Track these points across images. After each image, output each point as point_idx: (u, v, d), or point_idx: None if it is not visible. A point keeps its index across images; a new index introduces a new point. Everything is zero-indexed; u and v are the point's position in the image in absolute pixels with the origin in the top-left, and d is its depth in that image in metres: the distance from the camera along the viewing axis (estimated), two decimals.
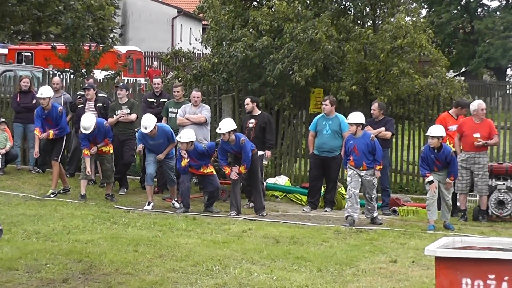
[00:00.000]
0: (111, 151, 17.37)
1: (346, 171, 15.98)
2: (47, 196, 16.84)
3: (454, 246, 7.02)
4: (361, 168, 15.32)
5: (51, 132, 17.00)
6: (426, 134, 14.96)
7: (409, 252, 12.35)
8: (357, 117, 15.48)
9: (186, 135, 15.88)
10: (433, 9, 40.42)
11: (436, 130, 14.86)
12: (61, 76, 23.49)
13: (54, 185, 17.14)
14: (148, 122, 16.11)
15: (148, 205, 16.37)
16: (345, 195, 17.14)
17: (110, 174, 17.52)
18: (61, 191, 17.40)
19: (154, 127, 16.17)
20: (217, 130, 16.13)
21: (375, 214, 15.70)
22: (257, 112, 17.86)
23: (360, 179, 15.52)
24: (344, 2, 22.65)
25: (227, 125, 16.13)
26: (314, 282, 10.28)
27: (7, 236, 11.11)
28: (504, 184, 17.01)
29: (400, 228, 15.18)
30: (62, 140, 17.07)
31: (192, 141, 15.93)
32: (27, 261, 10.82)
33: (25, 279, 10.00)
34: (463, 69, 38.04)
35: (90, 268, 10.62)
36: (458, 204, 17.26)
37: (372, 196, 15.62)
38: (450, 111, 17.90)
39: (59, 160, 17.15)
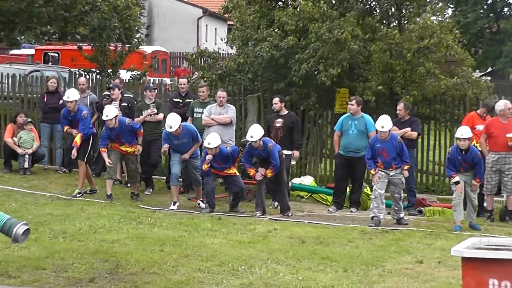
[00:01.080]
0: (136, 152, 17.33)
1: (372, 172, 15.90)
2: (73, 196, 16.93)
3: (480, 247, 6.99)
4: (390, 169, 15.37)
5: (78, 134, 17.00)
6: (456, 136, 14.93)
7: (435, 253, 12.35)
8: (389, 122, 15.48)
9: (214, 140, 15.83)
10: (459, 9, 40.29)
11: (466, 132, 14.82)
12: (87, 77, 23.61)
13: (81, 185, 17.21)
14: (173, 121, 16.14)
15: (174, 205, 16.40)
16: (371, 195, 17.18)
17: (136, 174, 17.57)
18: (88, 192, 17.46)
19: (179, 127, 16.21)
20: (248, 138, 16.07)
21: (401, 215, 15.68)
22: (285, 111, 17.88)
23: (386, 180, 15.53)
24: (369, 2, 22.62)
25: (257, 132, 16.09)
26: (339, 282, 10.27)
27: (34, 235, 11.03)
28: None
29: (426, 229, 15.18)
30: (88, 141, 17.12)
31: (219, 145, 16.04)
32: (54, 261, 10.87)
33: (52, 278, 10.05)
34: (490, 69, 37.92)
35: (117, 268, 10.67)
36: (484, 204, 17.16)
37: (400, 196, 15.63)
38: (478, 111, 17.83)
39: (85, 160, 17.20)
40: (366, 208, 17.26)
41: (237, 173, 16.92)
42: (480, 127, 17.29)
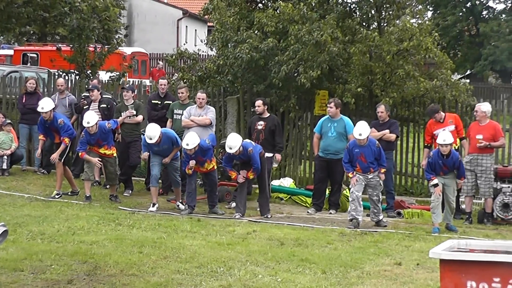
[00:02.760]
0: (115, 154, 17.37)
1: (350, 175, 15.85)
2: (52, 197, 16.91)
3: (459, 249, 7.05)
4: (368, 173, 15.42)
5: (66, 139, 16.83)
6: (437, 142, 14.90)
7: (414, 255, 12.40)
8: (367, 129, 15.46)
9: (192, 140, 15.76)
10: (438, 12, 40.45)
11: (448, 137, 14.80)
12: (66, 78, 23.58)
13: (58, 186, 17.19)
14: (153, 132, 16.09)
15: (153, 206, 16.41)
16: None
17: (114, 177, 17.53)
18: (69, 194, 17.39)
19: (159, 136, 16.21)
20: (227, 150, 16.05)
21: (380, 217, 15.74)
22: (267, 114, 17.91)
23: (363, 183, 15.56)
24: (349, 4, 22.68)
25: (235, 143, 15.95)
26: (318, 284, 10.32)
27: (12, 237, 11.03)
28: (509, 187, 17.04)
29: (405, 231, 15.24)
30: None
31: (197, 145, 15.94)
32: (32, 262, 10.88)
33: (30, 280, 10.06)
34: (469, 72, 38.18)
35: (95, 269, 10.69)
36: (462, 206, 17.29)
37: (379, 198, 15.65)
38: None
39: (62, 161, 17.14)
40: (345, 210, 17.20)
41: (215, 167, 16.80)
42: (439, 131, 17.26)
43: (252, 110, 19.34)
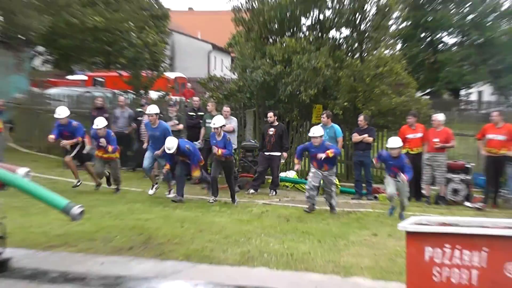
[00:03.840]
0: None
1: (296, 161, 15.24)
2: (73, 186, 16.14)
3: (420, 223, 7.12)
4: (322, 169, 14.72)
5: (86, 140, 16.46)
6: (387, 146, 14.49)
7: (387, 228, 12.44)
8: (320, 130, 14.95)
9: (171, 144, 14.63)
10: (406, 44, 40.29)
11: (396, 142, 14.28)
12: (125, 96, 23.70)
13: (76, 176, 16.37)
14: (171, 144, 15.41)
15: (152, 188, 15.89)
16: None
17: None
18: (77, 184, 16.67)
19: (176, 148, 15.49)
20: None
21: (333, 203, 14.88)
22: (276, 123, 17.80)
23: (319, 177, 14.76)
24: (338, 39, 22.65)
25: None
26: (315, 250, 10.41)
27: (88, 215, 11.10)
28: (458, 177, 17.27)
29: (380, 210, 15.24)
30: (78, 143, 16.03)
31: (175, 148, 14.96)
32: (102, 234, 11.07)
33: (101, 247, 10.22)
34: (428, 90, 38.33)
35: (148, 239, 10.83)
36: (423, 192, 17.31)
37: (331, 191, 14.86)
38: (408, 122, 17.87)
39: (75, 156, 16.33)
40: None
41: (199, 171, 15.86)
42: (410, 136, 17.37)
43: (265, 119, 19.21)
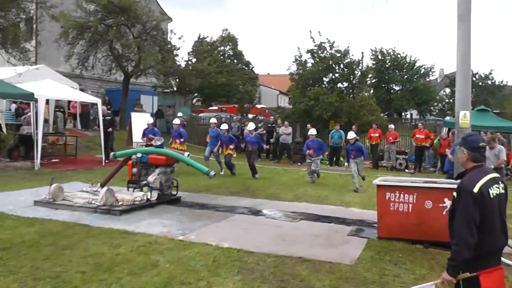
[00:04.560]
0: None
1: (309, 152, 13.79)
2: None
3: (383, 181, 7.38)
4: (357, 159, 13.11)
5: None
6: (347, 137, 13.45)
7: (367, 183, 12.87)
8: (314, 131, 14.17)
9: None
10: (374, 90, 40.79)
11: (351, 135, 13.24)
12: (235, 117, 24.86)
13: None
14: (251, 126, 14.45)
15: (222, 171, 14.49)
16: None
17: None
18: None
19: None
20: (248, 128, 14.35)
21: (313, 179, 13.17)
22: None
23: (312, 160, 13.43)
24: (341, 88, 23.96)
25: (251, 126, 14.62)
26: (330, 193, 11.02)
27: (218, 176, 11.78)
28: (401, 156, 18.13)
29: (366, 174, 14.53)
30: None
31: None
32: (224, 186, 11.85)
33: (224, 191, 10.93)
34: (386, 113, 39.43)
35: (247, 188, 11.67)
36: (384, 164, 17.95)
37: (316, 168, 13.29)
38: (372, 128, 18.53)
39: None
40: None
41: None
42: (373, 135, 18.35)
43: (305, 128, 19.90)
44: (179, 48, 24.61)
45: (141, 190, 8.97)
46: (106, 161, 14.67)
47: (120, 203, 8.24)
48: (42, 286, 4.65)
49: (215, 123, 15.01)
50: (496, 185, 3.28)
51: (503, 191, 3.35)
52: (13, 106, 18.25)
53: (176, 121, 14.92)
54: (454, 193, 3.28)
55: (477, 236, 3.13)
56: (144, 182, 9.07)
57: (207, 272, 5.18)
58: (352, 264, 5.69)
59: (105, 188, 8.38)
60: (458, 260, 3.16)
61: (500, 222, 3.28)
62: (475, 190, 3.18)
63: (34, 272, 5.02)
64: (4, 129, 15.25)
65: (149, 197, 8.86)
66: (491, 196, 3.22)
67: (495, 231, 3.23)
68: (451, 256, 3.17)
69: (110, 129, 15.66)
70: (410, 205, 6.79)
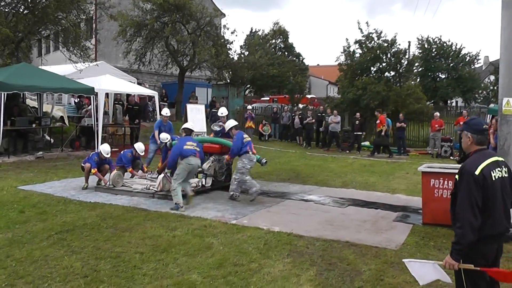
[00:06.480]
0: None
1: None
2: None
3: (429, 167, 7.22)
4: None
5: None
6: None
7: (412, 170, 12.32)
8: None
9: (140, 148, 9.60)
10: (421, 78, 38.95)
11: (224, 111, 11.13)
12: (286, 107, 25.14)
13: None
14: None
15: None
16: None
17: None
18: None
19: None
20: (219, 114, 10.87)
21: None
22: (359, 119, 18.38)
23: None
24: (388, 76, 23.56)
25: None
26: (378, 180, 10.79)
27: (268, 164, 11.20)
28: (445, 144, 17.51)
29: (409, 161, 15.35)
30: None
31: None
32: (275, 172, 11.97)
33: (275, 178, 10.95)
34: (432, 101, 38.89)
35: (298, 175, 11.60)
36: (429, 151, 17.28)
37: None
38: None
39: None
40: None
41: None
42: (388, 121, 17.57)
43: (354, 116, 20.18)
44: (232, 42, 24.68)
45: (196, 177, 9.02)
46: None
47: None
48: (103, 265, 4.83)
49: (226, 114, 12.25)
50: (499, 169, 3.14)
51: (506, 175, 3.19)
52: (73, 100, 18.96)
53: (224, 111, 13.40)
54: (456, 176, 3.14)
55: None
56: (199, 169, 9.02)
57: (258, 255, 5.25)
58: (397, 249, 5.62)
59: (162, 175, 8.47)
60: (463, 243, 3.00)
61: (503, 205, 3.13)
62: (477, 172, 3.05)
63: (95, 252, 5.20)
64: (66, 121, 15.80)
65: (203, 183, 8.97)
66: (493, 178, 3.07)
67: (496, 214, 3.07)
68: (456, 240, 3.02)
69: (136, 121, 15.35)
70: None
